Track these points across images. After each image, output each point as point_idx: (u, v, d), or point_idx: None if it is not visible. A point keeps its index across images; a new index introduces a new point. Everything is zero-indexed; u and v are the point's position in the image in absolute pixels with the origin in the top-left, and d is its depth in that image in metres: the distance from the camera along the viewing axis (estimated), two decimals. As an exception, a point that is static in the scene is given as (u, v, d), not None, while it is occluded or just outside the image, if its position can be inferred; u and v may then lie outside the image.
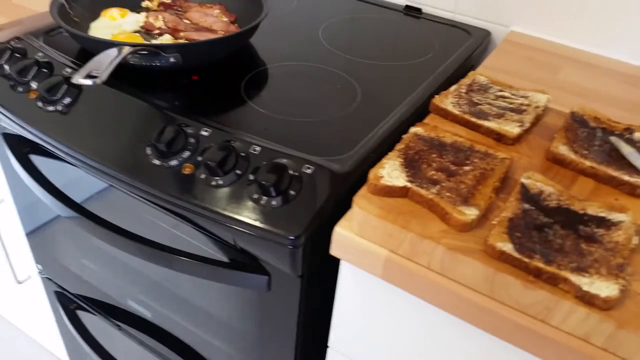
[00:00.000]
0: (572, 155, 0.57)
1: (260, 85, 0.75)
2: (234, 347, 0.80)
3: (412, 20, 0.97)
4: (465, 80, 0.69)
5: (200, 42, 0.75)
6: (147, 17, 0.84)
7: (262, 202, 0.57)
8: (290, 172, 0.58)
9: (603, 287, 0.43)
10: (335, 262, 0.58)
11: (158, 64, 0.70)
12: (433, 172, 0.54)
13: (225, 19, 0.87)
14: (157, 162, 0.61)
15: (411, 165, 0.54)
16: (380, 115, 0.69)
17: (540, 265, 0.44)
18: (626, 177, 0.54)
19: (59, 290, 1.05)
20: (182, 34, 0.81)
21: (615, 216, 0.50)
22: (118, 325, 0.96)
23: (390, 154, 0.55)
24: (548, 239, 0.47)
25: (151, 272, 0.81)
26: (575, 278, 0.44)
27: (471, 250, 0.46)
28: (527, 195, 0.51)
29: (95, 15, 0.83)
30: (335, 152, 0.62)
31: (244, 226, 0.57)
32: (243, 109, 0.69)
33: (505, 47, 0.85)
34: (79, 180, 0.75)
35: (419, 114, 0.70)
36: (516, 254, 0.45)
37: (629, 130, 0.61)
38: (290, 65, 0.80)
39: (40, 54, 0.74)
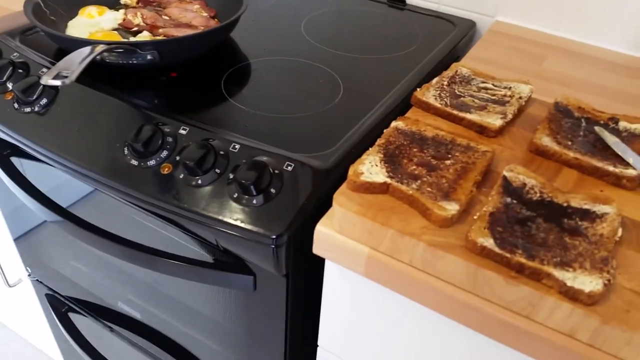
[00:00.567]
0: (555, 147, 0.56)
1: (241, 82, 0.73)
2: (224, 347, 0.79)
3: (397, 12, 0.96)
4: (448, 72, 0.68)
5: (177, 38, 0.74)
6: (125, 14, 0.83)
7: (243, 201, 0.56)
8: (271, 170, 0.57)
9: (587, 282, 0.42)
10: (320, 261, 0.58)
11: (135, 62, 0.69)
12: (414, 167, 0.53)
13: (204, 14, 0.85)
14: (135, 162, 0.60)
15: (391, 160, 0.53)
16: (363, 110, 0.68)
17: (523, 260, 0.43)
18: (611, 168, 0.53)
19: (49, 292, 1.04)
20: (160, 30, 0.80)
21: (599, 208, 0.49)
22: (110, 327, 0.95)
23: (371, 150, 0.54)
24: (531, 233, 0.46)
25: (140, 273, 0.80)
26: (558, 273, 0.43)
27: (452, 246, 0.46)
28: (509, 188, 0.50)
29: (72, 14, 0.81)
30: (317, 148, 0.61)
31: (225, 226, 0.56)
32: (223, 106, 0.68)
33: (489, 37, 0.84)
34: (65, 183, 0.74)
35: (403, 107, 0.69)
36: (497, 250, 0.44)
37: (614, 119, 0.60)
38: (271, 60, 0.79)
39: (15, 54, 0.73)
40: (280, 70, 0.77)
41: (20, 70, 0.70)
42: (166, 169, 0.59)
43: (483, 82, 0.66)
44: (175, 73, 0.73)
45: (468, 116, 0.60)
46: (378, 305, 0.56)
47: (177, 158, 0.59)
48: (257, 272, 0.61)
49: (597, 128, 0.58)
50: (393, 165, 0.52)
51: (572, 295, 0.42)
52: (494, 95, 0.64)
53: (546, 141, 0.56)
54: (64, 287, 0.99)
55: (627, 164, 0.54)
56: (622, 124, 0.59)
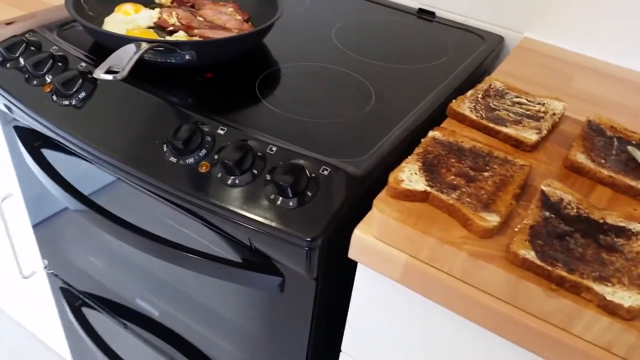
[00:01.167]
0: (590, 164, 0.57)
1: (274, 85, 0.74)
2: (243, 350, 0.79)
3: (425, 24, 0.97)
4: (482, 86, 0.69)
5: (215, 39, 0.75)
6: (161, 13, 0.84)
7: (279, 202, 0.57)
8: (308, 173, 0.58)
9: (626, 297, 0.43)
10: (350, 265, 0.58)
11: (173, 61, 0.70)
12: (452, 177, 0.53)
13: (238, 17, 0.86)
14: (173, 159, 0.61)
15: (430, 169, 0.54)
16: (395, 118, 0.68)
17: (563, 273, 0.44)
18: (645, 187, 0.54)
19: (64, 286, 1.04)
20: (196, 31, 0.81)
21: (634, 226, 0.50)
22: (124, 324, 0.95)
23: (410, 158, 0.55)
24: (569, 248, 0.47)
25: (159, 270, 0.81)
26: (598, 287, 0.43)
27: (493, 257, 0.46)
28: (547, 203, 0.51)
29: (109, 10, 0.83)
30: (351, 154, 0.62)
31: (260, 226, 0.57)
32: (258, 108, 0.69)
33: (519, 53, 0.85)
34: (88, 173, 0.74)
35: (434, 118, 0.70)
36: (539, 262, 0.45)
37: (646, 139, 0.61)
38: (303, 65, 0.80)
39: (54, 47, 0.74)
40: (312, 75, 0.78)
41: (60, 64, 0.71)
42: (204, 168, 0.60)
43: (517, 97, 0.67)
44: (211, 74, 0.74)
45: (504, 130, 0.61)
46: (410, 313, 0.56)
47: (216, 157, 0.60)
48: (286, 273, 0.61)
49: (629, 148, 0.59)
50: (432, 175, 0.53)
51: (611, 309, 0.43)
52: (528, 110, 0.65)
53: (581, 158, 0.57)
54: (80, 281, 1.00)
55: (661, 184, 0.54)
56: (655, 145, 0.60)
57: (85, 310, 1.04)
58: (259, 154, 0.60)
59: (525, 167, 0.55)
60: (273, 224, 0.56)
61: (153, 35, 0.78)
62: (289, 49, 0.83)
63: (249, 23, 0.86)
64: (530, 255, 0.45)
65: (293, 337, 0.68)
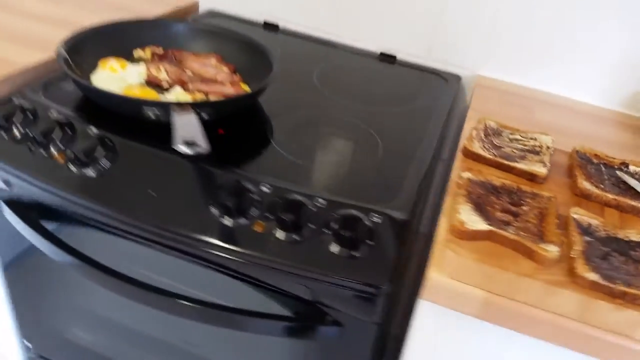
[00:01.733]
0: (595, 190, 0.66)
1: (284, 136, 0.76)
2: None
3: (389, 66, 1.05)
4: (479, 125, 0.77)
5: (234, 97, 0.75)
6: (148, 68, 0.81)
7: (341, 253, 0.59)
8: (363, 222, 0.61)
9: (674, 302, 0.52)
10: (409, 306, 0.62)
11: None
12: (500, 213, 0.60)
13: (225, 69, 0.87)
14: (226, 221, 0.60)
15: (480, 209, 0.60)
16: (405, 159, 0.74)
17: (624, 288, 0.52)
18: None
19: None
20: (190, 86, 0.80)
21: (651, 240, 0.60)
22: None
23: (459, 200, 0.61)
24: (615, 265, 0.55)
25: (172, 336, 0.77)
26: (652, 297, 0.52)
27: (563, 283, 0.53)
28: (582, 228, 0.59)
29: (92, 67, 0.79)
30: (385, 197, 0.66)
31: (326, 279, 0.59)
32: (281, 160, 0.70)
33: (482, 92, 0.96)
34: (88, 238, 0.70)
35: (437, 155, 0.77)
36: (603, 282, 0.52)
37: (625, 164, 0.72)
38: (302, 113, 0.83)
39: (52, 111, 0.69)
40: (314, 122, 0.81)
41: (68, 130, 0.66)
42: (259, 227, 0.60)
43: (512, 134, 0.76)
44: (222, 130, 0.74)
45: (517, 165, 0.69)
46: (484, 343, 0.60)
47: (268, 215, 0.61)
48: (345, 321, 0.63)
49: (618, 172, 0.70)
50: (484, 214, 0.59)
51: (663, 314, 0.52)
52: (525, 145, 0.74)
53: (587, 185, 0.67)
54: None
55: (651, 202, 0.66)
56: (632, 168, 0.72)
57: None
58: (311, 208, 0.62)
59: (552, 198, 0.63)
60: (340, 276, 0.58)
61: (152, 93, 0.76)
62: (280, 97, 0.85)
63: (238, 74, 0.86)
64: (595, 276, 0.53)
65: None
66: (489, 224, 0.57)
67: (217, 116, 0.71)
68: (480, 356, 0.62)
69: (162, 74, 0.81)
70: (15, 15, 0.93)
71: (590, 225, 0.60)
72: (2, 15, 0.92)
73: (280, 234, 0.60)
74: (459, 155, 0.72)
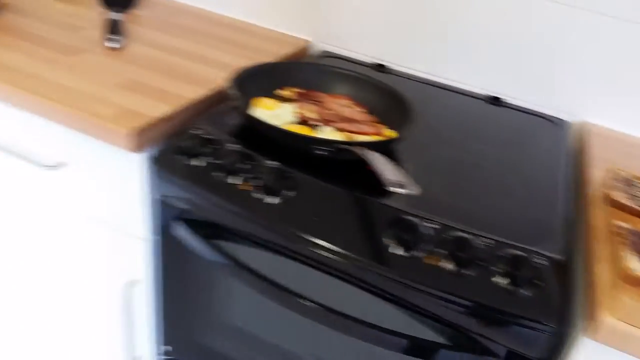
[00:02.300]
0: None
1: (424, 172, 0.81)
2: None
3: (496, 109, 1.10)
4: (610, 174, 0.82)
5: (390, 139, 0.81)
6: (299, 108, 0.88)
7: (510, 289, 0.64)
8: (528, 261, 0.66)
9: None
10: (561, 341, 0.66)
11: (348, 157, 0.75)
12: (660, 262, 0.64)
13: (360, 110, 0.93)
14: (401, 252, 0.66)
15: (643, 257, 0.65)
16: (547, 203, 0.79)
17: None
18: None
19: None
20: (337, 125, 0.86)
21: None
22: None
23: (621, 247, 0.65)
24: None
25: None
26: None
27: None
28: None
29: (246, 105, 0.85)
30: (539, 239, 0.71)
31: (494, 313, 0.64)
32: (428, 198, 0.75)
33: (597, 139, 1.00)
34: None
35: (576, 201, 0.83)
36: None
37: None
38: (431, 153, 0.88)
39: (228, 143, 0.76)
40: (445, 163, 0.86)
41: (250, 161, 0.73)
42: (430, 259, 0.66)
43: (644, 184, 0.81)
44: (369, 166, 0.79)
45: (661, 216, 0.73)
46: None
47: (442, 250, 0.66)
48: (501, 353, 0.68)
49: None
50: (648, 262, 0.64)
51: None
52: (659, 196, 0.79)
53: None
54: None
55: None
56: None
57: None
58: (477, 245, 0.67)
59: None
60: (509, 309, 0.63)
61: (309, 131, 0.82)
62: (418, 139, 0.91)
63: (373, 115, 0.93)
64: None
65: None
66: (657, 273, 0.62)
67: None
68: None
69: (311, 113, 0.88)
70: (165, 52, 1.01)
71: None
72: (154, 52, 1.00)
73: (450, 267, 0.65)
74: (596, 202, 0.77)
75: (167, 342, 0.97)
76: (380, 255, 0.67)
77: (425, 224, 0.69)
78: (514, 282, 0.64)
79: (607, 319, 0.61)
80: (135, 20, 1.12)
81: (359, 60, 1.19)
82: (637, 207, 0.75)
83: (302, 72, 0.96)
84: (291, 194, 0.71)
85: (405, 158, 0.85)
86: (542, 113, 1.10)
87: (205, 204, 0.73)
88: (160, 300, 0.90)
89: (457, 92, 1.14)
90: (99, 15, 1.12)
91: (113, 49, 0.97)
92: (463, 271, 0.65)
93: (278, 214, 0.70)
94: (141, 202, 0.83)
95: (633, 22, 0.99)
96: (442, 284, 0.65)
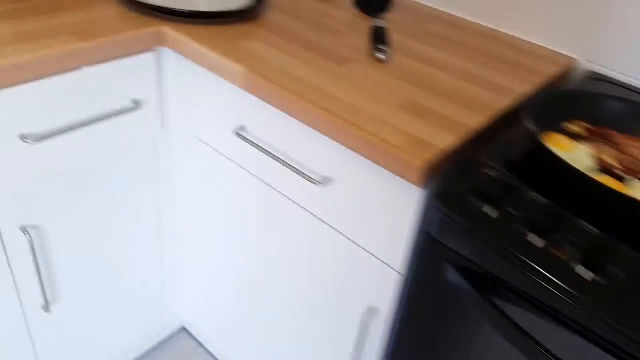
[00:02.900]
0: None
1: None
2: None
3: None
4: None
5: None
6: (596, 150, 0.76)
7: None
8: None
9: None
10: None
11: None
12: None
13: (667, 159, 0.78)
14: None
15: None
16: None
17: None
18: None
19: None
20: (645, 178, 0.72)
21: None
22: None
23: None
24: None
25: None
26: None
27: None
28: None
29: (542, 141, 0.75)
30: None
31: None
32: None
33: None
34: None
35: None
36: None
37: None
38: None
39: (532, 191, 0.67)
40: None
41: (556, 220, 0.63)
42: None
43: None
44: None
45: None
46: None
47: None
48: None
49: None
50: None
51: None
52: None
53: None
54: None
55: None
56: None
57: None
58: None
59: None
60: None
61: (621, 186, 0.70)
62: None
63: (683, 167, 0.77)
64: None
65: None
66: None
67: None
68: None
69: (611, 159, 0.75)
70: (432, 67, 0.94)
71: None
72: (420, 66, 0.93)
73: None
74: None
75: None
76: None
77: None
78: None
79: None
80: (388, 27, 1.06)
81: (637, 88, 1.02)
82: None
83: (595, 103, 0.83)
84: (617, 272, 0.59)
85: None
86: None
87: (492, 258, 0.65)
88: (396, 336, 0.85)
89: None
90: (356, 18, 1.09)
91: (380, 60, 0.92)
92: None
93: (597, 295, 0.59)
94: (407, 234, 0.77)
95: None
96: None
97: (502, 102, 0.85)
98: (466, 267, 0.70)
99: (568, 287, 0.60)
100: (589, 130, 0.82)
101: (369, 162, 0.77)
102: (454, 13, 1.20)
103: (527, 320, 0.66)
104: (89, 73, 0.88)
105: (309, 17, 1.06)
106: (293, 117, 0.81)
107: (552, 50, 1.08)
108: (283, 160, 0.87)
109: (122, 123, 0.98)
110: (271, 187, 0.94)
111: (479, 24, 1.16)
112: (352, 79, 0.85)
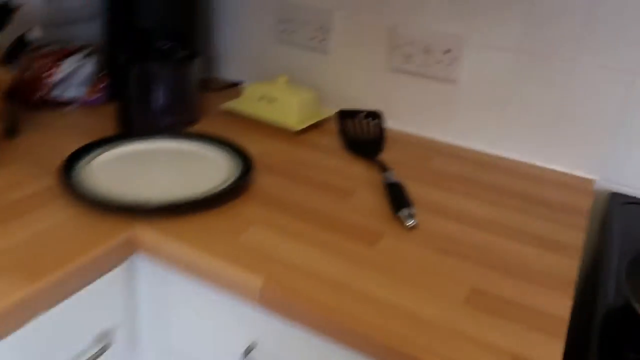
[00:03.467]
0: None
1: None
2: None
3: None
4: None
5: None
6: None
7: None
8: None
9: None
10: None
11: None
12: None
13: None
14: None
15: None
16: None
17: None
18: None
19: None
20: None
21: None
22: None
23: None
24: None
25: None
26: None
27: None
28: None
29: None
30: None
31: None
32: None
33: None
34: None
35: None
36: None
37: None
38: None
39: None
40: None
41: None
42: None
43: None
44: None
45: None
46: None
47: None
48: None
49: None
50: None
51: None
52: None
53: None
54: None
55: None
56: None
57: None
58: None
59: None
60: None
61: None
62: None
63: None
64: None
65: None
66: None
67: None
68: None
69: None
70: (469, 226, 0.79)
71: None
72: (456, 226, 0.78)
73: None
74: None
75: None
76: None
77: None
78: None
79: None
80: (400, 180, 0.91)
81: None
82: None
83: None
84: None
85: None
86: None
87: None
88: None
89: None
90: (353, 166, 0.94)
91: (411, 228, 0.76)
92: None
93: None
94: None
95: None
96: None
97: (572, 267, 0.71)
98: None
99: None
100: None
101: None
102: (448, 141, 1.08)
103: None
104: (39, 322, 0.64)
105: (303, 174, 0.89)
106: (334, 339, 0.61)
107: (570, 175, 0.98)
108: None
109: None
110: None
111: (479, 151, 1.05)
112: (391, 265, 0.68)
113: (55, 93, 1.04)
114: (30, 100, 1.03)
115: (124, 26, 1.11)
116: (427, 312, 0.61)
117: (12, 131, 0.92)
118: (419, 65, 1.05)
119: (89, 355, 0.71)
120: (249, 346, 0.71)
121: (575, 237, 0.78)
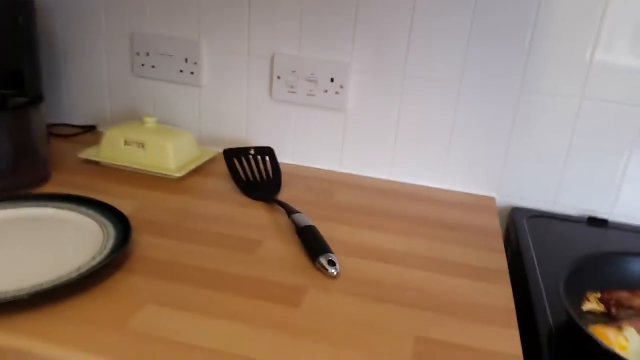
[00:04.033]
0: None
1: None
2: None
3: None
4: None
5: None
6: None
7: None
8: None
9: None
10: None
11: None
12: None
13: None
14: None
15: None
16: None
17: None
18: None
19: None
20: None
21: None
22: None
23: None
24: None
25: None
26: None
27: None
28: None
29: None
30: None
31: None
32: None
33: None
34: None
35: None
36: None
37: None
38: None
39: None
40: None
41: None
42: None
43: None
44: None
45: None
46: None
47: None
48: None
49: None
50: None
51: None
52: None
53: None
54: None
55: None
56: None
57: None
58: None
59: None
60: None
61: None
62: None
63: None
64: None
65: None
66: None
67: None
68: None
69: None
70: (381, 262, 0.72)
71: None
72: (373, 265, 0.70)
73: None
74: None
75: None
76: None
77: None
78: None
79: None
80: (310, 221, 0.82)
81: (566, 215, 0.95)
82: None
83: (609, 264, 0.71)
84: None
85: None
86: None
87: None
88: None
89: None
90: (252, 209, 0.82)
91: (333, 276, 0.67)
92: None
93: None
94: None
95: None
96: None
97: (507, 294, 0.67)
98: None
99: None
100: (602, 300, 0.69)
101: None
102: (346, 171, 1.02)
103: None
104: None
105: (194, 227, 0.75)
106: None
107: (471, 194, 0.97)
108: None
109: None
110: None
111: (378, 178, 1.00)
112: (323, 327, 0.57)
113: None
114: None
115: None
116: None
117: None
118: (304, 95, 0.98)
119: None
120: None
121: (497, 260, 0.75)
